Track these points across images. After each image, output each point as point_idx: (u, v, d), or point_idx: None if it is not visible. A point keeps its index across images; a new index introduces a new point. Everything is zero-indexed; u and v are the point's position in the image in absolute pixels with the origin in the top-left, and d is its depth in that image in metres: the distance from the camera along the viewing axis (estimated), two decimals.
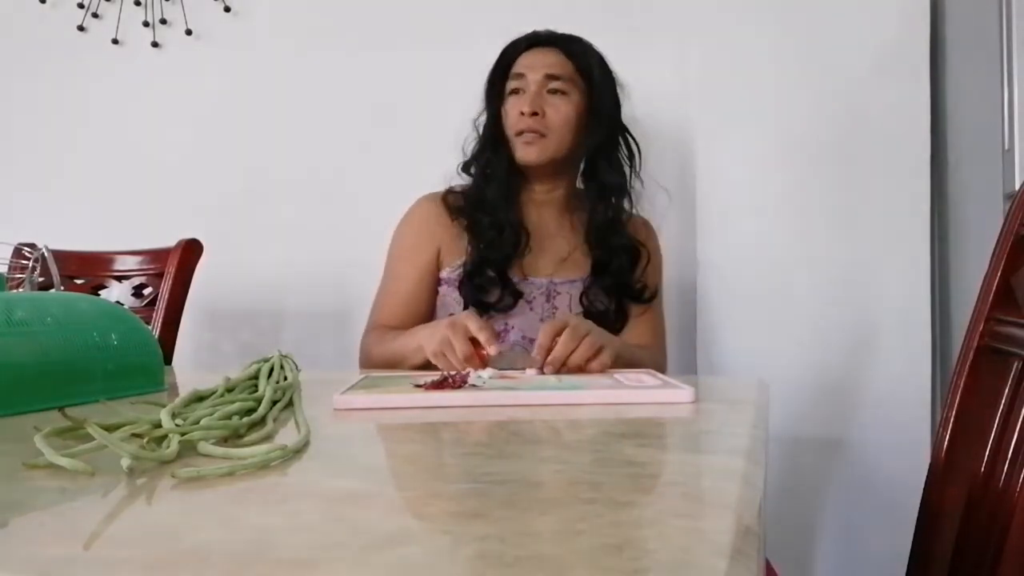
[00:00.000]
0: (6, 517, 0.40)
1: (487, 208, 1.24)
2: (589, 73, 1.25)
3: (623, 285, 1.25)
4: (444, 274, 1.27)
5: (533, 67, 1.24)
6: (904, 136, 1.42)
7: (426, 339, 1.06)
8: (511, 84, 1.26)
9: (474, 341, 0.99)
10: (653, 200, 1.39)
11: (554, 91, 1.23)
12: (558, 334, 0.96)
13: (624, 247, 1.26)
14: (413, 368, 1.14)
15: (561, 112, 1.23)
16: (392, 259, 1.31)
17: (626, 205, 1.28)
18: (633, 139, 1.30)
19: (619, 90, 1.29)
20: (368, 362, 1.24)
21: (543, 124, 1.22)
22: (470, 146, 1.30)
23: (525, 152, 1.24)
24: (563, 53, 1.25)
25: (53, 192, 1.90)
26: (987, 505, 0.70)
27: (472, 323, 0.99)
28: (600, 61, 1.27)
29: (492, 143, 1.27)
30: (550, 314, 1.24)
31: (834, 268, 1.45)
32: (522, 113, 1.22)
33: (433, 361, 1.04)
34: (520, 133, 1.23)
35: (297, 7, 1.80)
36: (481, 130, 1.30)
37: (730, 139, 1.50)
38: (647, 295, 1.27)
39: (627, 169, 1.29)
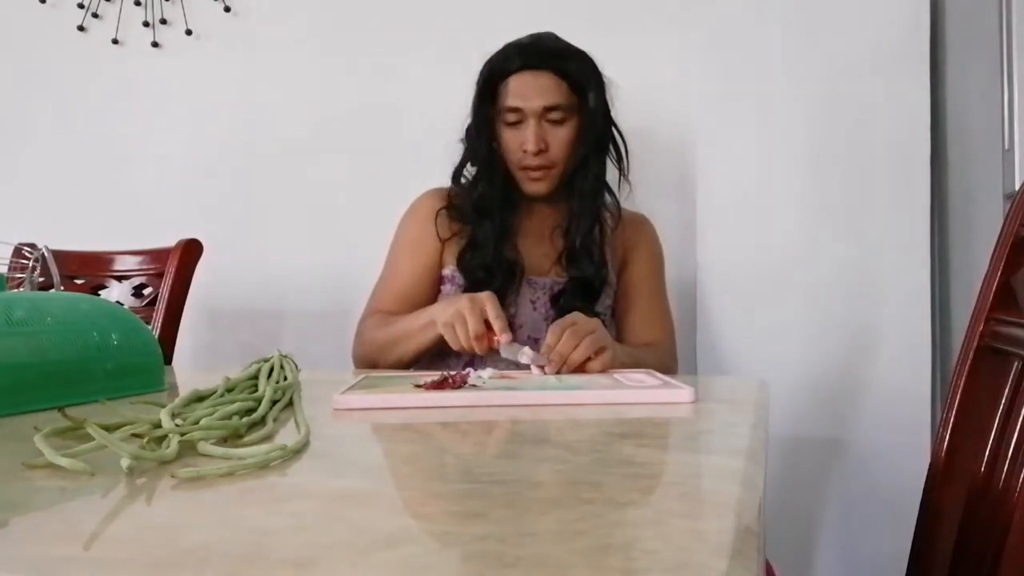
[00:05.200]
0: (6, 517, 0.40)
1: (482, 251, 1.22)
2: (584, 89, 1.23)
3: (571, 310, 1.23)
4: (447, 272, 1.26)
5: (528, 97, 1.20)
6: (904, 136, 1.42)
7: (440, 311, 1.07)
8: (509, 116, 1.22)
9: (487, 325, 1.00)
10: (652, 196, 1.38)
11: (553, 121, 1.21)
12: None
13: (583, 281, 1.23)
14: (414, 349, 1.15)
15: (564, 140, 1.22)
16: (394, 251, 1.31)
17: (610, 201, 1.28)
18: (622, 137, 1.28)
19: (607, 91, 1.26)
20: (365, 344, 1.23)
21: (548, 158, 1.22)
22: (457, 155, 1.28)
23: (535, 187, 1.24)
24: (556, 74, 1.21)
25: (53, 192, 1.90)
26: (987, 505, 0.70)
27: (490, 307, 1.00)
28: (592, 71, 1.24)
29: (488, 169, 1.25)
30: (552, 314, 1.24)
31: (834, 268, 1.45)
32: (525, 151, 1.21)
33: (442, 331, 1.05)
34: (525, 168, 1.23)
35: (297, 7, 1.80)
36: (467, 144, 1.27)
37: (730, 139, 1.50)
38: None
39: (615, 169, 1.28)
